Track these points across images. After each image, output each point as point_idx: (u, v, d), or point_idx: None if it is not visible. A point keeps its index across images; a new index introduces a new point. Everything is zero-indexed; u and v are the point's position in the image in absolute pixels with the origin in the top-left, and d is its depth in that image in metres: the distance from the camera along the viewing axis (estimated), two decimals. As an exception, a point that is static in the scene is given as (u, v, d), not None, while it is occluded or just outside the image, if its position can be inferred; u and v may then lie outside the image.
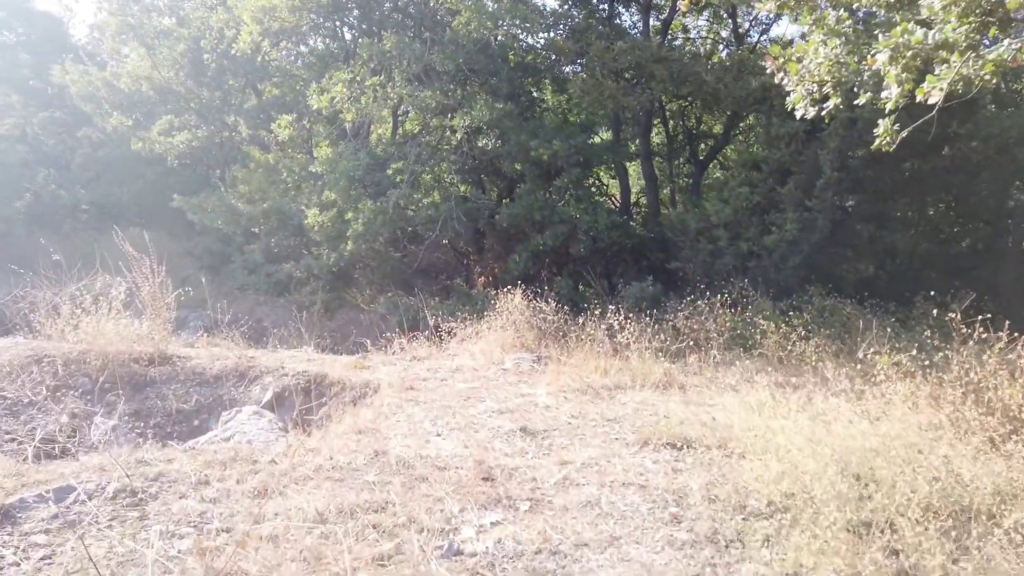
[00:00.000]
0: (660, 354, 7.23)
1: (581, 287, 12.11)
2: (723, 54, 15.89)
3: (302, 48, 17.46)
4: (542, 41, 15.32)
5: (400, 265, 13.25)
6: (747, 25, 16.01)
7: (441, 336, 9.30)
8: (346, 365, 7.34)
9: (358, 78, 12.70)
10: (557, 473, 4.31)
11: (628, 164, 16.04)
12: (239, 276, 14.76)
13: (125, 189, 20.12)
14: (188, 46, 16.68)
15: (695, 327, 8.36)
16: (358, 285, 13.17)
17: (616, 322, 7.61)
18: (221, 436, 4.47)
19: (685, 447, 4.72)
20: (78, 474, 3.80)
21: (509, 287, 9.47)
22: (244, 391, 6.53)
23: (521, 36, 14.18)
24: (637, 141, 15.56)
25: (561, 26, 14.70)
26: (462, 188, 14.59)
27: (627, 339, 7.38)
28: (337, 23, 15.68)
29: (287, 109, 15.95)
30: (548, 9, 14.52)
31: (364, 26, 15.12)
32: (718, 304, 8.67)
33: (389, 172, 12.62)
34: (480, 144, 13.17)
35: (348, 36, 16.01)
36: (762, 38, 15.93)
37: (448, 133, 13.21)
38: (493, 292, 10.85)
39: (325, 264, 12.58)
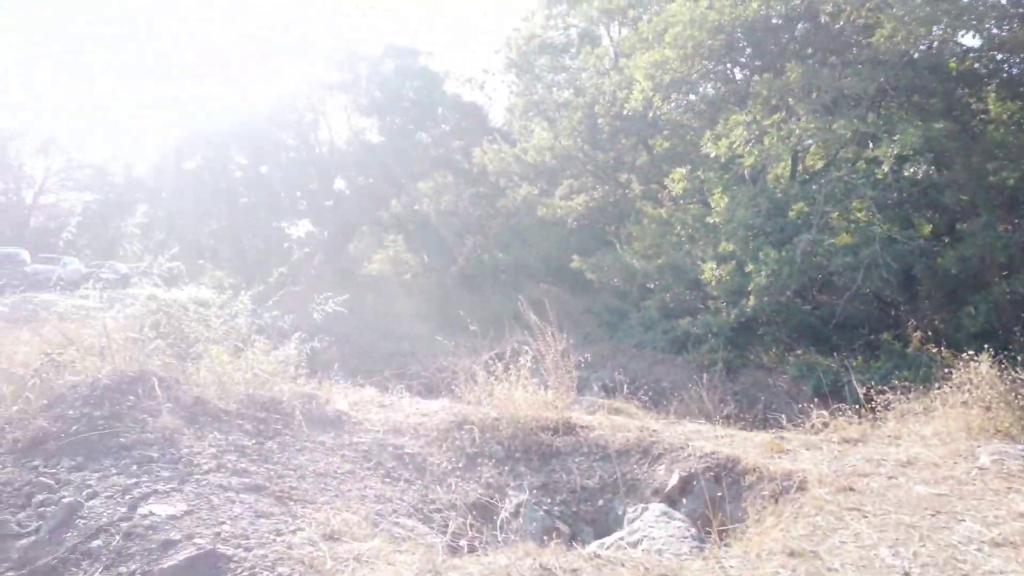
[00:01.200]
0: None
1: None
2: None
3: (691, 97, 17.19)
4: (979, 42, 12.49)
5: (810, 319, 11.70)
6: None
7: (874, 409, 7.65)
8: (760, 446, 6.31)
9: (757, 118, 11.76)
10: None
11: None
12: (636, 333, 14.72)
13: (533, 252, 22.08)
14: (584, 113, 17.67)
15: None
16: (762, 342, 11.98)
17: None
18: (627, 539, 3.89)
19: None
20: None
21: (965, 348, 7.42)
22: (648, 471, 5.96)
23: (959, 38, 11.71)
24: None
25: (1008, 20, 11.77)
26: (883, 227, 12.47)
27: None
28: (728, 65, 15.01)
29: (678, 161, 15.73)
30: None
31: (758, 63, 14.17)
32: None
33: (791, 215, 11.31)
34: (907, 174, 11.07)
35: (740, 76, 15.22)
36: None
37: (864, 165, 11.39)
38: (935, 351, 8.73)
39: (724, 321, 11.73)
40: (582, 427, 6.69)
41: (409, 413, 6.79)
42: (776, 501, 5.19)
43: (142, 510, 3.65)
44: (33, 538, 3.33)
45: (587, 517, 5.54)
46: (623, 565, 3.59)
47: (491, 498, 5.56)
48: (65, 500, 3.59)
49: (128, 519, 3.52)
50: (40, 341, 6.43)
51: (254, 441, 5.26)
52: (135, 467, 4.24)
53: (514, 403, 6.74)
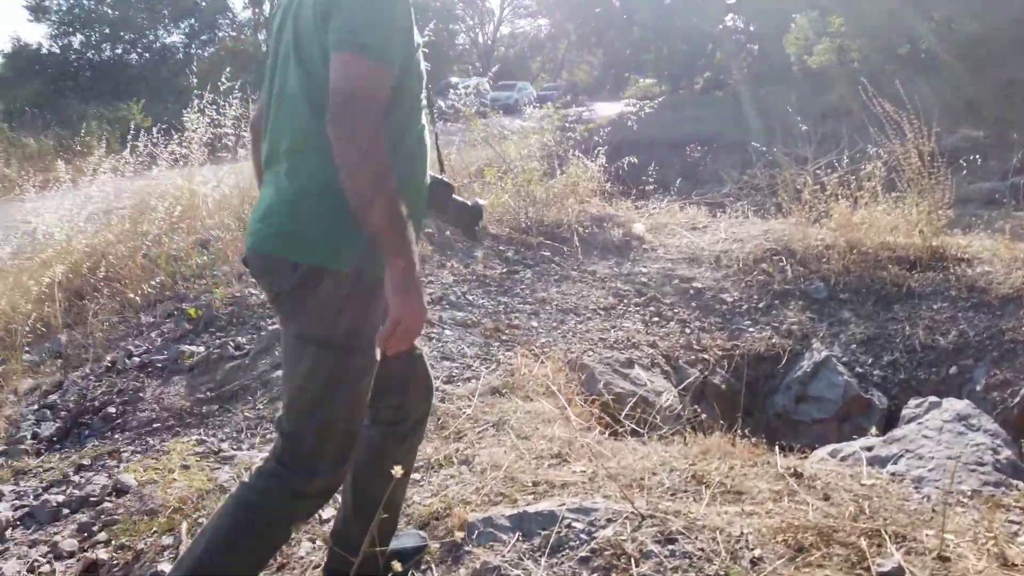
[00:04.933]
0: None
1: None
2: None
3: None
4: None
5: None
6: None
7: None
8: None
9: None
10: None
11: None
12: None
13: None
14: None
15: None
16: None
17: None
18: (882, 450, 2.45)
19: None
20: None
21: None
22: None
23: None
24: None
25: None
26: None
27: None
28: None
29: None
30: None
31: None
32: None
33: None
34: None
35: None
36: None
37: None
38: None
39: None
40: (958, 259, 4.73)
41: (720, 239, 5.67)
42: None
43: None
44: (238, 362, 3.61)
45: (922, 388, 3.95)
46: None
47: (784, 351, 4.34)
48: (273, 327, 3.80)
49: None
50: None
51: (505, 270, 4.93)
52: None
53: (853, 227, 5.07)
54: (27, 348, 4.31)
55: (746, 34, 31.80)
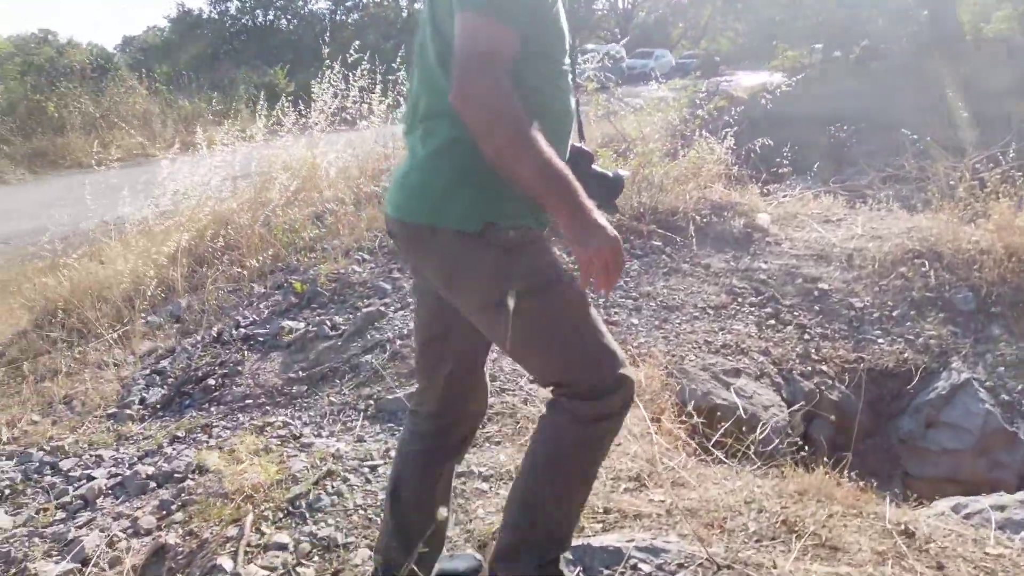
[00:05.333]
0: None
1: None
2: None
3: None
4: None
5: None
6: None
7: None
8: None
9: None
10: None
11: None
12: None
13: None
14: None
15: None
16: None
17: None
18: (1015, 512, 2.05)
19: None
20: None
21: None
22: None
23: None
24: None
25: None
26: None
27: None
28: None
29: None
30: None
31: None
32: None
33: None
34: None
35: None
36: None
37: None
38: None
39: None
40: None
41: (856, 234, 5.15)
42: None
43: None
44: (332, 342, 3.65)
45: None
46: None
47: (917, 368, 3.88)
48: (368, 309, 3.81)
49: (402, 337, 3.53)
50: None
51: (609, 261, 4.70)
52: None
53: (1015, 228, 4.44)
54: (152, 311, 4.59)
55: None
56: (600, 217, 1.37)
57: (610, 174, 1.73)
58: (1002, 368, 3.79)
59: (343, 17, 30.62)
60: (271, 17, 29.69)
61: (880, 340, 4.09)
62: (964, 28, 30.47)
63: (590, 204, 1.37)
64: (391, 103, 7.50)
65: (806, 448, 3.56)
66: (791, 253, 4.96)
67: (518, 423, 2.83)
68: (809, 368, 3.87)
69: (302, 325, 3.88)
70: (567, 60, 1.56)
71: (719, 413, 3.37)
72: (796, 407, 3.57)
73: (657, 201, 5.37)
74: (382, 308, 3.78)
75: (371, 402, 3.05)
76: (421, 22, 1.56)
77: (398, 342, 3.46)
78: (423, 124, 1.52)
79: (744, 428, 3.33)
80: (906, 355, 3.95)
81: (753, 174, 6.79)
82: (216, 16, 28.77)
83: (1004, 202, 4.57)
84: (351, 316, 3.84)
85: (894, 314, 4.29)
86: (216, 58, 24.91)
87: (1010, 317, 4.07)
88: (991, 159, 4.80)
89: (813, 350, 4.00)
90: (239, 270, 4.91)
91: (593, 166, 1.72)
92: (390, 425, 2.87)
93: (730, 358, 3.75)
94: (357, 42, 7.35)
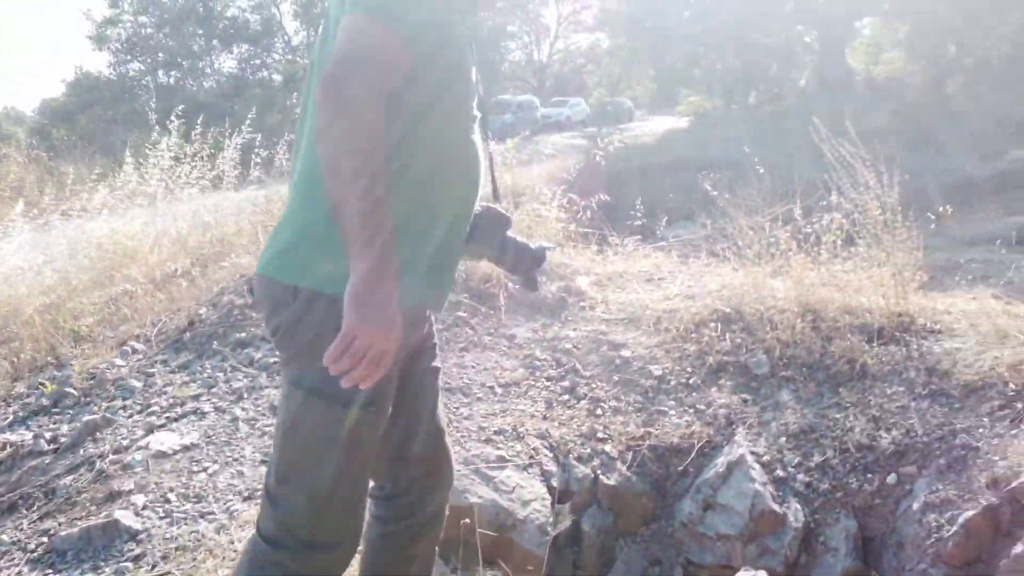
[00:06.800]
0: None
1: None
2: None
3: None
4: None
5: None
6: None
7: None
8: None
9: None
10: None
11: None
12: None
13: None
14: None
15: None
16: None
17: None
18: None
19: None
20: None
21: None
22: (1008, 437, 3.13)
23: None
24: None
25: None
26: None
27: None
28: None
29: None
30: None
31: None
32: None
33: None
34: None
35: None
36: None
37: None
38: None
39: None
40: (926, 332, 3.98)
41: (674, 294, 5.04)
42: None
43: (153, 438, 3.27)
44: (38, 460, 3.25)
45: (853, 500, 3.26)
46: None
47: (702, 440, 3.71)
48: (90, 417, 3.43)
49: (117, 452, 3.17)
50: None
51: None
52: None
53: (806, 286, 4.37)
54: None
55: (802, 45, 30.45)
56: (394, 302, 1.15)
57: (533, 246, 1.62)
58: (783, 439, 3.64)
59: (250, 75, 30.29)
60: (171, 78, 29.17)
61: (672, 412, 3.92)
62: (855, 71, 32.11)
63: (395, 280, 1.16)
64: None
65: (571, 546, 3.33)
66: (602, 318, 4.80)
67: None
68: (589, 450, 3.65)
69: (29, 436, 3.48)
70: (475, 105, 1.41)
71: (476, 512, 3.10)
72: (566, 502, 3.33)
73: (471, 268, 5.17)
74: (109, 416, 3.41)
75: (44, 540, 2.66)
76: (315, 48, 1.39)
77: (110, 457, 3.09)
78: (298, 168, 1.37)
79: (500, 529, 3.10)
80: (693, 428, 3.78)
81: (597, 232, 6.69)
82: (114, 78, 28.08)
83: (798, 257, 4.50)
84: (78, 425, 3.45)
85: (691, 381, 4.14)
86: (114, 122, 24.26)
87: (799, 381, 3.95)
88: (784, 216, 4.75)
89: (600, 427, 3.79)
90: (8, 367, 4.48)
91: (509, 233, 1.58)
92: (49, 572, 2.50)
93: (501, 447, 3.51)
94: (182, 105, 7.17)
